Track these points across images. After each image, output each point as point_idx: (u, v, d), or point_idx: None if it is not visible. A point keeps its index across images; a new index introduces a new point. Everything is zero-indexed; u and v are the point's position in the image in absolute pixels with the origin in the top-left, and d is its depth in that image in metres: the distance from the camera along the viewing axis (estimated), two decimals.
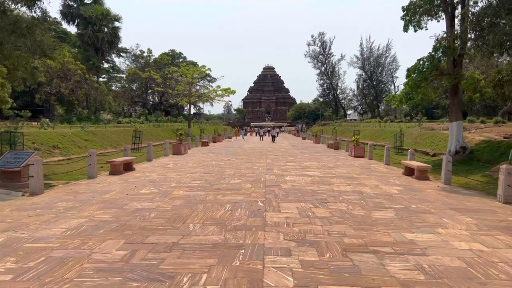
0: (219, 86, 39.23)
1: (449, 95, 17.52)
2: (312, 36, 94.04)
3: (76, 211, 6.75)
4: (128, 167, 13.08)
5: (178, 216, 6.38)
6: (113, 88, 65.85)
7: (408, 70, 16.68)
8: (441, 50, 15.52)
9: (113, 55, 63.90)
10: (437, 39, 15.38)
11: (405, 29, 17.30)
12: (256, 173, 12.42)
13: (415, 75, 16.45)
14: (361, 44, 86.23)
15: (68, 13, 36.86)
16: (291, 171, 12.96)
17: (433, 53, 15.86)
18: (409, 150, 13.84)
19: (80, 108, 34.20)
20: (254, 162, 16.26)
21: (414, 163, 12.25)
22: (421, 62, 16.57)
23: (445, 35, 15.77)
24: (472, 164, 15.25)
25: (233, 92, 38.94)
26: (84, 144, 19.67)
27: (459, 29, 15.59)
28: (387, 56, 79.41)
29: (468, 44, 15.57)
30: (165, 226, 5.74)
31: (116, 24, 39.07)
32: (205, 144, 28.91)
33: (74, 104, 39.51)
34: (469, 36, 15.12)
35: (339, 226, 5.86)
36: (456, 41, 15.51)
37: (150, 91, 71.02)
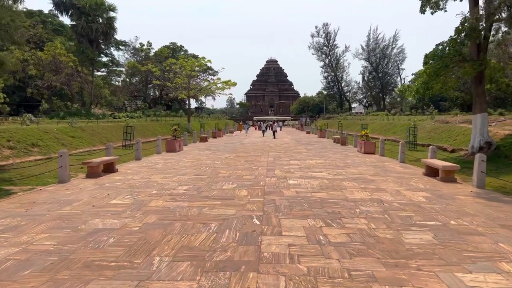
0: (219, 79, 37.49)
1: (472, 84, 15.71)
2: (316, 27, 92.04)
3: (14, 234, 5.15)
4: (109, 168, 11.48)
5: (143, 243, 4.75)
6: (114, 82, 64.23)
7: (426, 56, 14.89)
8: (464, 32, 13.71)
9: (112, 48, 62.35)
10: (464, 18, 13.53)
11: (422, 10, 15.45)
12: (254, 175, 10.77)
13: (432, 61, 14.68)
14: (368, 35, 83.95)
15: (60, 3, 35.07)
16: (295, 172, 11.29)
17: (456, 36, 14.05)
18: (430, 147, 12.10)
19: (69, 102, 32.56)
20: (253, 160, 14.60)
21: (438, 162, 10.54)
22: (441, 47, 14.78)
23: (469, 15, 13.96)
24: (499, 161, 13.51)
25: (234, 84, 37.18)
26: (70, 141, 18.09)
27: (483, 9, 13.77)
28: (394, 47, 77.10)
29: (497, 26, 13.75)
30: (120, 262, 4.12)
31: (111, 14, 37.24)
32: (203, 139, 27.27)
33: (70, 99, 37.97)
34: (497, 16, 13.28)
35: (363, 260, 4.20)
36: (481, 23, 13.69)
37: (150, 85, 69.47)
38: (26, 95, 34.14)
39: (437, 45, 14.95)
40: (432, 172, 10.90)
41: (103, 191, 8.35)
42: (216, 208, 6.61)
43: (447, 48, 14.46)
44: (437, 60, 14.23)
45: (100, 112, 30.00)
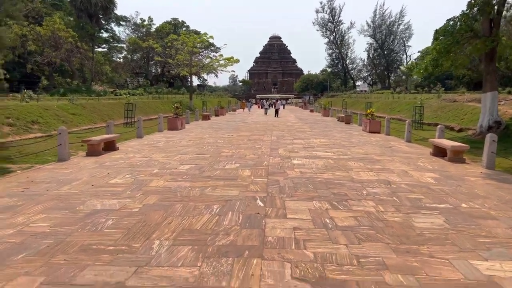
0: (221, 55, 36.76)
1: (483, 61, 15.21)
2: (321, 2, 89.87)
3: (10, 215, 4.98)
4: (110, 146, 11.27)
5: (143, 226, 4.57)
6: (115, 59, 63.31)
7: (436, 32, 14.37)
8: (477, 7, 13.12)
9: (112, 24, 61.08)
10: None
11: None
12: (258, 154, 10.54)
13: (442, 38, 14.15)
14: (375, 11, 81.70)
15: None
16: (299, 152, 11.06)
17: (468, 11, 13.48)
18: (438, 126, 11.79)
19: (69, 79, 32.07)
20: (256, 139, 14.36)
21: (447, 142, 10.26)
22: (451, 22, 14.21)
23: None
24: (509, 141, 13.21)
25: (237, 61, 36.50)
26: (70, 118, 17.87)
27: None
28: (400, 23, 75.29)
29: (508, 5, 13.15)
30: (118, 246, 3.94)
31: None
32: (206, 118, 26.97)
33: (71, 75, 37.48)
34: None
35: (372, 246, 4.01)
36: None
37: (152, 62, 68.54)
38: (26, 72, 33.69)
39: (448, 20, 14.39)
40: (439, 152, 10.64)
41: (103, 170, 8.17)
42: (218, 189, 6.42)
43: (458, 23, 13.90)
44: (448, 36, 13.70)
45: (101, 89, 29.51)
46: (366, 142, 13.72)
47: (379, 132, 17.57)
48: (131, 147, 12.10)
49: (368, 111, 18.60)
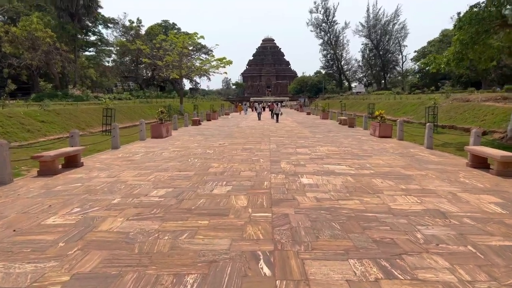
0: (213, 56, 34.61)
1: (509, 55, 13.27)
2: (314, 2, 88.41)
3: None
4: (72, 162, 9.07)
5: None
6: (104, 63, 60.84)
7: (459, 20, 12.39)
8: None
9: (100, 27, 58.70)
10: None
11: None
12: (255, 169, 8.40)
13: (466, 27, 12.16)
14: (367, 10, 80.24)
15: None
16: (307, 165, 8.94)
17: None
18: (473, 130, 9.72)
19: (51, 83, 29.66)
20: (252, 148, 12.22)
21: (492, 151, 8.21)
22: (475, 9, 12.26)
23: None
24: None
25: (230, 62, 34.37)
26: (39, 126, 15.60)
27: None
28: (395, 23, 73.84)
29: None
30: None
31: None
32: (196, 123, 24.76)
33: (52, 79, 35.08)
34: None
35: None
36: None
37: (142, 65, 66.21)
38: (3, 76, 31.24)
39: (471, 6, 12.44)
40: (479, 162, 8.61)
41: (47, 199, 5.98)
42: (200, 235, 4.26)
43: (485, 10, 11.95)
44: (475, 24, 11.72)
45: (78, 93, 27.14)
46: (382, 150, 11.65)
47: (390, 137, 15.54)
48: (100, 161, 9.89)
49: (377, 113, 16.58)
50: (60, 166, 8.80)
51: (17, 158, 10.08)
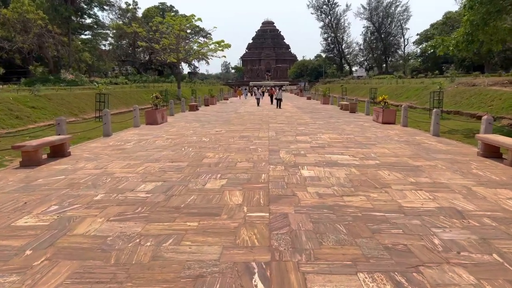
0: (211, 39, 33.66)
1: None
2: None
3: None
4: (58, 151, 8.53)
5: None
6: (101, 46, 59.56)
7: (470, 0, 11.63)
8: None
9: (96, 9, 57.24)
10: None
11: None
12: (253, 160, 7.87)
13: (477, 6, 11.45)
14: None
15: None
16: (307, 155, 8.40)
17: None
18: (485, 118, 9.15)
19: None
20: (250, 136, 11.67)
21: (507, 140, 7.67)
22: None
23: None
24: None
25: (228, 45, 33.45)
26: (29, 113, 15.01)
27: None
28: (398, 5, 72.33)
29: None
30: None
31: None
32: (193, 108, 24.12)
33: (46, 64, 34.18)
34: None
35: None
36: None
37: (139, 49, 64.98)
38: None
39: None
40: (491, 152, 8.09)
41: (24, 195, 5.47)
42: (187, 241, 3.75)
43: None
44: (486, 3, 11.00)
45: (71, 78, 26.37)
46: (386, 138, 11.11)
47: (394, 123, 14.98)
48: (89, 150, 9.36)
49: (380, 98, 15.96)
50: (46, 156, 8.30)
51: (2, 147, 9.56)
